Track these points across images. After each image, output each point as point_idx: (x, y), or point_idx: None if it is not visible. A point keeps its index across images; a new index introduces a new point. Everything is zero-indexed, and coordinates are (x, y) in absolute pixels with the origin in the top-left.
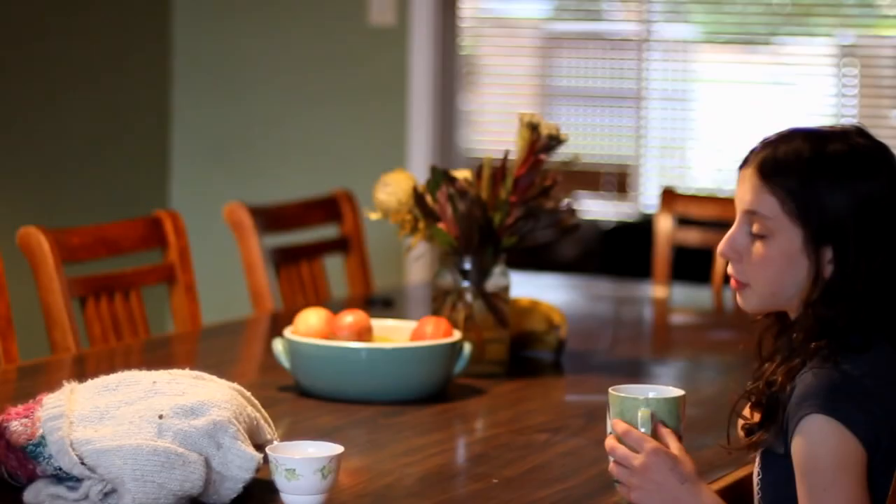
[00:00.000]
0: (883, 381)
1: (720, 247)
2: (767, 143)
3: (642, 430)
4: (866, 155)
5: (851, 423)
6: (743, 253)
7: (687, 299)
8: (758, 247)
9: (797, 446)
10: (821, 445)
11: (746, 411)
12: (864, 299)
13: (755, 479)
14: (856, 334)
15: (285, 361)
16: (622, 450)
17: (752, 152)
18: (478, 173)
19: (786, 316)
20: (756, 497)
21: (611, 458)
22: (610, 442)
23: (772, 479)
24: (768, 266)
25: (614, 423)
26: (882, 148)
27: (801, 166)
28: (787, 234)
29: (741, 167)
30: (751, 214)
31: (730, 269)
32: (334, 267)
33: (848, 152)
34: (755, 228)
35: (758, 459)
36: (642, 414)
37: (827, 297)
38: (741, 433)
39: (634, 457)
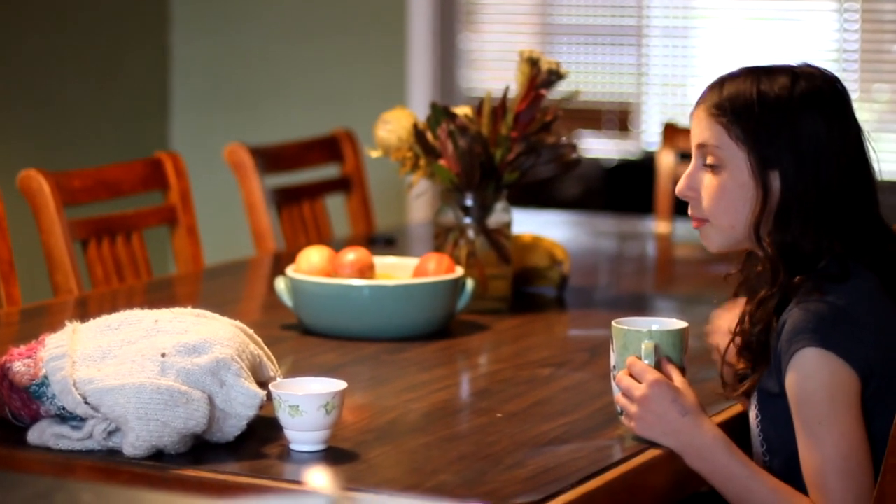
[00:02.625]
0: (869, 309)
1: (678, 187)
2: (714, 84)
3: (646, 362)
4: (810, 84)
5: (844, 353)
6: (699, 189)
7: (689, 235)
8: (711, 179)
9: (791, 382)
10: (814, 379)
11: (732, 356)
12: (817, 221)
13: (753, 421)
14: (831, 263)
15: (288, 300)
16: (627, 381)
17: (703, 92)
18: (478, 109)
19: (751, 258)
20: (756, 438)
21: (615, 390)
22: (619, 374)
23: (770, 419)
24: (722, 197)
25: (630, 364)
26: (828, 77)
27: (745, 97)
28: (737, 161)
29: (693, 108)
30: (702, 147)
31: (690, 210)
32: (336, 206)
33: (791, 82)
34: (708, 160)
35: (754, 400)
36: (646, 346)
37: (778, 222)
38: (726, 378)
39: (637, 387)
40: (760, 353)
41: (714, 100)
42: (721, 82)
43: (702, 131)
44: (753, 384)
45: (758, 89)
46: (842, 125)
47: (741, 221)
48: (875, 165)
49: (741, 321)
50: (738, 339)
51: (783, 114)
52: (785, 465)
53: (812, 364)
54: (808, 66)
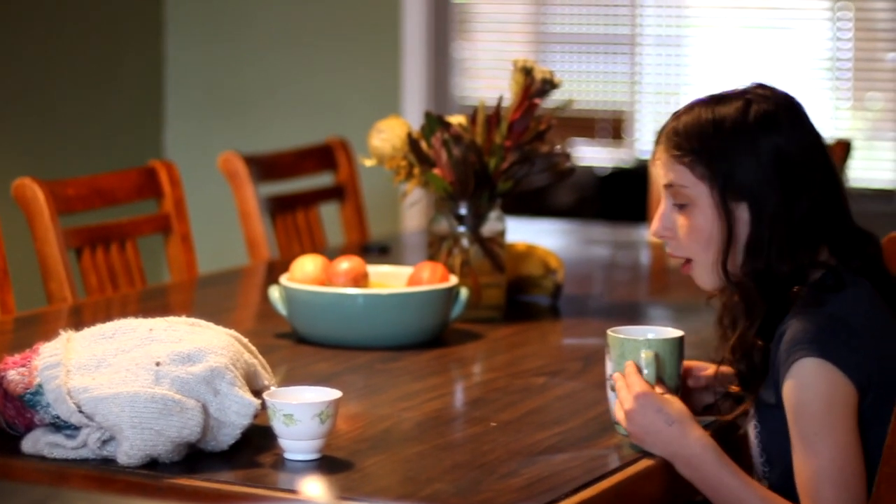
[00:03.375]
0: (867, 317)
1: (653, 229)
2: (669, 121)
3: (645, 371)
4: (763, 108)
5: (842, 364)
6: (674, 229)
7: None
8: (683, 219)
9: (788, 392)
10: (811, 390)
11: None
12: (792, 245)
13: (752, 432)
14: (826, 274)
15: (282, 308)
16: (619, 384)
17: (660, 132)
18: (472, 118)
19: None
20: (756, 448)
21: (611, 398)
22: (617, 385)
23: (768, 430)
24: (696, 235)
25: (616, 379)
26: (781, 96)
27: (702, 131)
28: (704, 198)
29: (653, 151)
30: (669, 188)
31: (668, 250)
32: (330, 215)
33: (744, 108)
34: (677, 199)
35: (753, 412)
36: (645, 355)
37: (752, 250)
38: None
39: (625, 400)
40: (749, 377)
41: (673, 139)
42: (676, 118)
43: (666, 173)
44: (747, 407)
45: (713, 120)
46: (802, 140)
47: (721, 257)
48: (846, 173)
49: (726, 350)
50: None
51: (742, 141)
52: (784, 476)
53: (809, 374)
54: (761, 86)
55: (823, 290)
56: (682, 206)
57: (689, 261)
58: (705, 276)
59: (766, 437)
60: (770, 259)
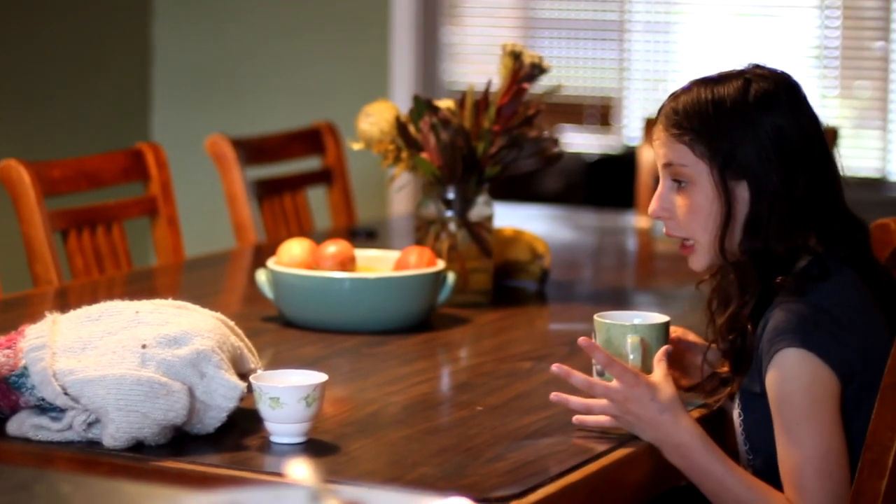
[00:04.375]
0: (851, 309)
1: (651, 209)
2: (668, 100)
3: (631, 356)
4: (762, 87)
5: (825, 354)
6: (673, 209)
7: None
8: (682, 198)
9: (771, 381)
10: (794, 379)
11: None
12: (790, 225)
13: (737, 420)
14: (810, 263)
15: (269, 292)
16: (601, 385)
17: (659, 111)
18: (461, 103)
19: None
20: (740, 437)
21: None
22: (587, 381)
23: (753, 419)
24: (695, 214)
25: (590, 347)
26: (780, 76)
27: (702, 110)
28: (704, 177)
29: (654, 128)
30: (669, 166)
31: (665, 230)
32: (317, 199)
33: (744, 88)
34: (676, 178)
35: (737, 400)
36: (632, 340)
37: (750, 230)
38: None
39: (615, 390)
40: (739, 358)
41: (672, 118)
42: (675, 98)
43: (666, 152)
44: (734, 389)
45: (713, 100)
46: (801, 121)
47: (720, 236)
48: (838, 158)
49: (717, 330)
50: (717, 345)
51: (742, 120)
52: (768, 464)
53: (792, 364)
54: (758, 66)
55: (808, 280)
56: (681, 186)
57: (687, 242)
58: (703, 256)
59: (749, 425)
60: (768, 238)
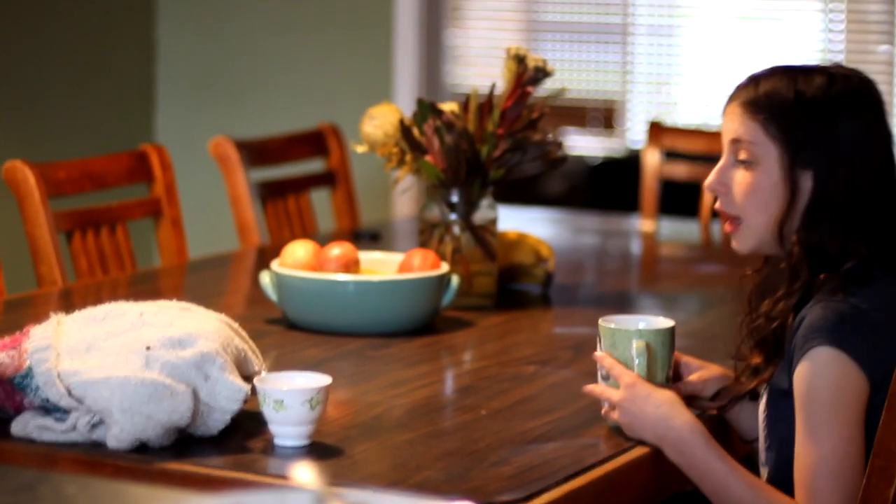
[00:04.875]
0: (889, 316)
1: (708, 181)
2: (749, 80)
3: (637, 361)
4: (846, 86)
5: (859, 356)
6: (730, 185)
7: (674, 233)
8: (744, 175)
9: (800, 377)
10: (824, 378)
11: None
12: (846, 223)
13: (760, 416)
14: (856, 265)
15: (272, 294)
16: (600, 388)
17: (734, 90)
18: (465, 106)
19: (777, 262)
20: (761, 434)
21: (603, 404)
22: (588, 387)
23: (776, 416)
24: (755, 194)
25: (600, 359)
26: (862, 78)
27: (783, 95)
28: (771, 159)
29: (725, 105)
30: (736, 143)
31: (718, 205)
32: (321, 201)
33: (828, 83)
34: (741, 156)
35: (764, 395)
36: (637, 345)
37: (808, 222)
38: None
39: (614, 392)
40: (776, 347)
41: (750, 96)
42: (756, 80)
43: (737, 127)
44: (766, 378)
45: (795, 89)
46: (876, 128)
47: (773, 219)
48: None
49: (755, 317)
50: (754, 335)
51: (820, 114)
52: (784, 465)
53: (825, 363)
54: (841, 67)
55: (851, 281)
56: (745, 164)
57: (735, 221)
58: (749, 237)
59: (772, 422)
60: (823, 234)
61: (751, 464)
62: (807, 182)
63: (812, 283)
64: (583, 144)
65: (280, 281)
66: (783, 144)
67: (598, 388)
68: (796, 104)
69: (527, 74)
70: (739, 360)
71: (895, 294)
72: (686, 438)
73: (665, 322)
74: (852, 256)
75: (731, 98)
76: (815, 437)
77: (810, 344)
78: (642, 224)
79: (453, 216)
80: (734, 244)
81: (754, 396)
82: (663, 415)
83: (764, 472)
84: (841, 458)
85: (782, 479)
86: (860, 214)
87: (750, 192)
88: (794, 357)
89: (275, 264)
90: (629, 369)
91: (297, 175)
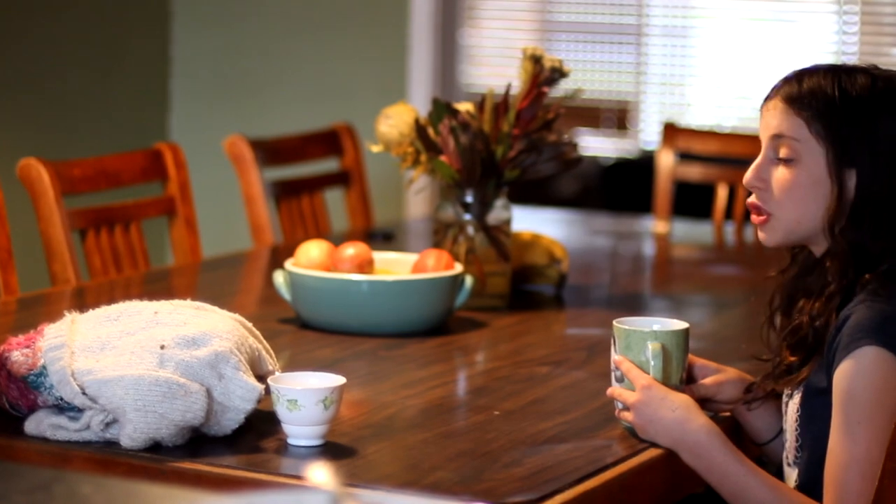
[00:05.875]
0: None
1: (747, 177)
2: (791, 77)
3: (653, 363)
4: (889, 86)
5: None
6: (769, 181)
7: (688, 234)
8: (784, 172)
9: (842, 375)
10: (867, 377)
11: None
12: (890, 222)
13: (791, 416)
14: (893, 266)
15: (286, 294)
16: (618, 391)
17: (775, 88)
18: (480, 106)
19: (807, 264)
20: (793, 433)
21: (617, 405)
22: (609, 390)
23: (810, 415)
24: (795, 191)
25: (619, 363)
26: None
27: (827, 93)
28: (814, 156)
29: (765, 101)
30: (778, 138)
31: (753, 199)
32: (335, 201)
33: (872, 83)
34: (782, 153)
35: (797, 394)
36: (653, 347)
37: (853, 221)
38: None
39: (630, 394)
40: (815, 346)
41: (793, 92)
42: (799, 76)
43: (780, 122)
44: (803, 377)
45: (839, 87)
46: None
47: (808, 217)
48: None
49: (797, 313)
50: (792, 335)
51: (863, 113)
52: (814, 465)
53: (869, 362)
54: (879, 68)
55: (891, 282)
56: (785, 160)
57: (764, 213)
58: (779, 231)
59: (805, 420)
60: (866, 234)
61: (762, 467)
62: (851, 180)
63: (854, 283)
64: (596, 145)
65: (294, 280)
66: (828, 143)
67: (617, 391)
68: (841, 102)
69: (543, 75)
70: (767, 360)
71: None
72: (703, 442)
73: (679, 324)
74: (891, 256)
75: (773, 93)
76: (852, 436)
77: (857, 343)
78: (656, 225)
79: (467, 216)
80: (762, 236)
81: (770, 395)
82: (679, 419)
83: (792, 472)
84: (875, 460)
85: (815, 478)
86: None
87: (789, 189)
88: (835, 356)
89: (289, 264)
90: (644, 371)
91: (312, 174)
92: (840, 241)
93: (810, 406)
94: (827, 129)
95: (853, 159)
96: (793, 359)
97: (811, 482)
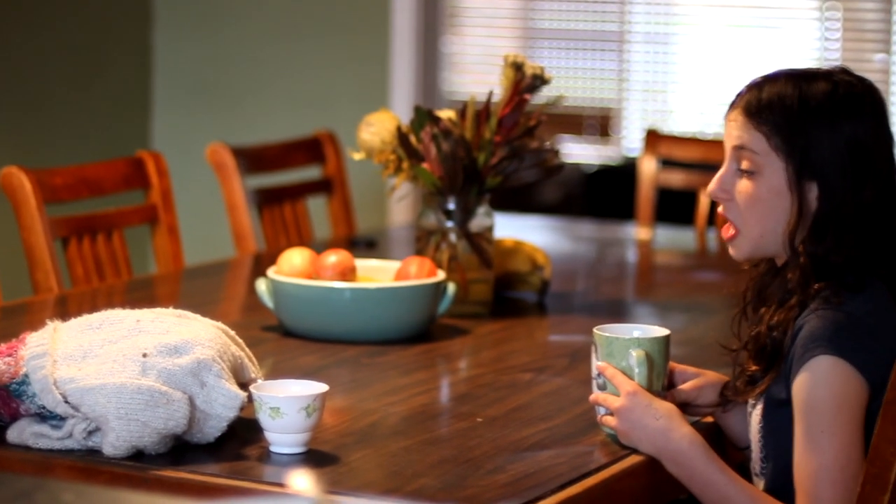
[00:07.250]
0: (885, 320)
1: (710, 188)
2: (753, 86)
3: (637, 370)
4: (849, 93)
5: (859, 364)
6: (732, 193)
7: (670, 241)
8: (747, 185)
9: (800, 386)
10: (824, 386)
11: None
12: (853, 234)
13: (755, 427)
14: (850, 274)
15: (269, 301)
16: (602, 396)
17: (738, 96)
18: (462, 113)
19: (774, 263)
20: (756, 445)
21: (599, 411)
22: (593, 395)
23: (772, 427)
24: (756, 204)
25: (602, 369)
26: (866, 85)
27: (786, 104)
28: (774, 170)
29: (728, 111)
30: (739, 150)
31: (720, 210)
32: (317, 208)
33: (832, 90)
34: (744, 165)
35: (759, 406)
36: (637, 355)
37: (815, 233)
38: (737, 382)
39: (615, 399)
40: (774, 356)
41: (752, 103)
42: (760, 85)
43: (740, 135)
44: (762, 389)
45: (798, 96)
46: (878, 133)
47: (770, 230)
48: None
49: (754, 324)
50: (753, 343)
51: (823, 123)
52: (781, 474)
53: (825, 372)
54: (845, 71)
55: (844, 288)
56: (747, 173)
57: (734, 229)
58: (746, 246)
59: (767, 433)
60: (829, 244)
61: (746, 472)
62: (812, 193)
63: (805, 293)
64: (579, 152)
65: (276, 288)
66: (787, 156)
67: (601, 396)
68: (800, 113)
69: (524, 82)
70: (734, 350)
71: (886, 299)
72: (685, 451)
73: (660, 331)
74: (853, 267)
75: (734, 104)
76: (817, 446)
77: (810, 353)
78: (638, 232)
79: (450, 224)
80: (731, 251)
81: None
82: (662, 427)
83: (759, 482)
84: (843, 467)
85: (780, 488)
86: (864, 224)
87: (751, 202)
88: (792, 367)
89: (271, 271)
90: (629, 378)
91: (294, 182)
92: (801, 254)
93: (772, 418)
94: (786, 142)
95: (813, 172)
96: (755, 368)
97: (777, 492)
